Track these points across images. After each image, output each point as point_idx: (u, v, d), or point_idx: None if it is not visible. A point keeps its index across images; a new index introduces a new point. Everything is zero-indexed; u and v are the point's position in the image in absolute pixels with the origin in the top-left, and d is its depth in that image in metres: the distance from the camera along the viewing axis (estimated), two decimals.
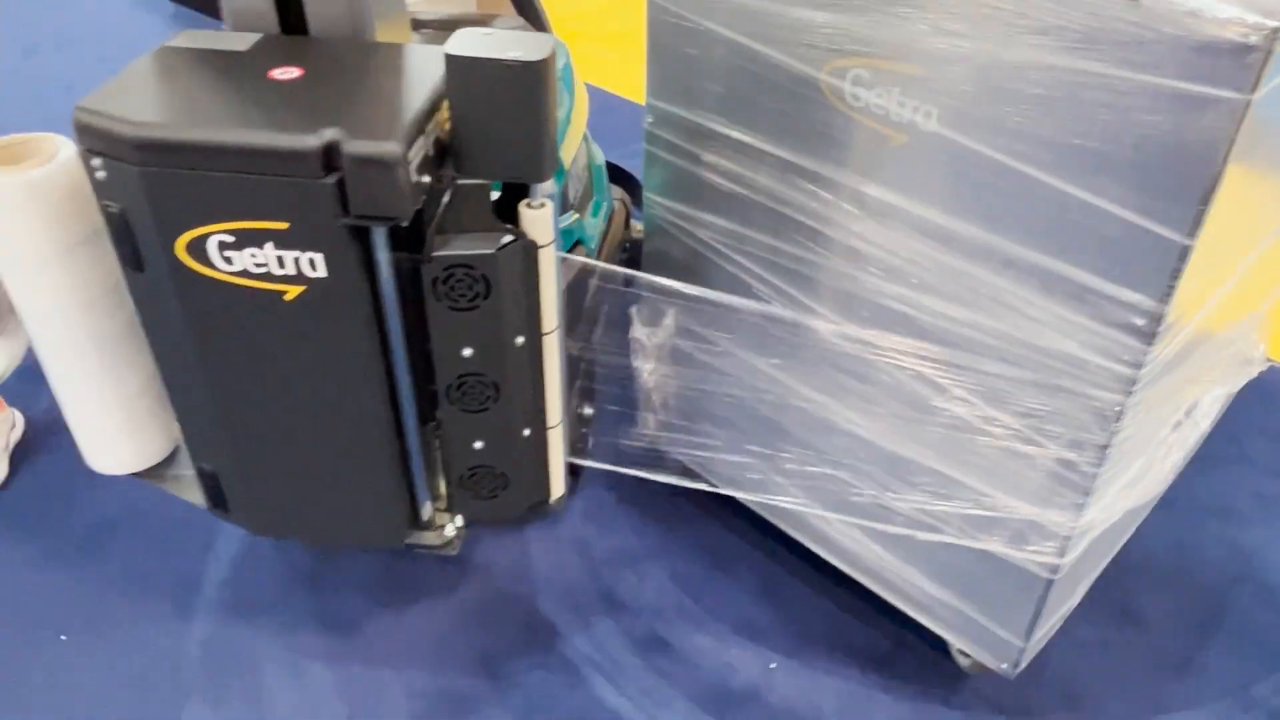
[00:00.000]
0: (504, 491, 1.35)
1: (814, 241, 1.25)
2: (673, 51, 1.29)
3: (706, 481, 1.58)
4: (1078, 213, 0.99)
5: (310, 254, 1.05)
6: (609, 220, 1.96)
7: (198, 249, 1.06)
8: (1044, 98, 0.96)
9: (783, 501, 1.49)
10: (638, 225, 2.07)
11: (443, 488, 1.37)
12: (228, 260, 1.06)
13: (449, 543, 1.38)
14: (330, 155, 0.99)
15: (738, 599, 1.64)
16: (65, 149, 1.19)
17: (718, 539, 1.74)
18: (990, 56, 0.98)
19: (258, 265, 1.07)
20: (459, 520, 1.39)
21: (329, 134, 0.98)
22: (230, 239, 1.05)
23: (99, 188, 1.06)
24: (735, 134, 1.28)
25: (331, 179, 0.99)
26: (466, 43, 1.01)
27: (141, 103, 1.02)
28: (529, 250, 1.13)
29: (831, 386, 1.34)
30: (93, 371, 1.34)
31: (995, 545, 1.25)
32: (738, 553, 1.71)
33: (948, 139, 1.05)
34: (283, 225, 1.03)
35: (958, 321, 1.14)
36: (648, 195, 1.47)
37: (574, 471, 1.72)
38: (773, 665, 1.54)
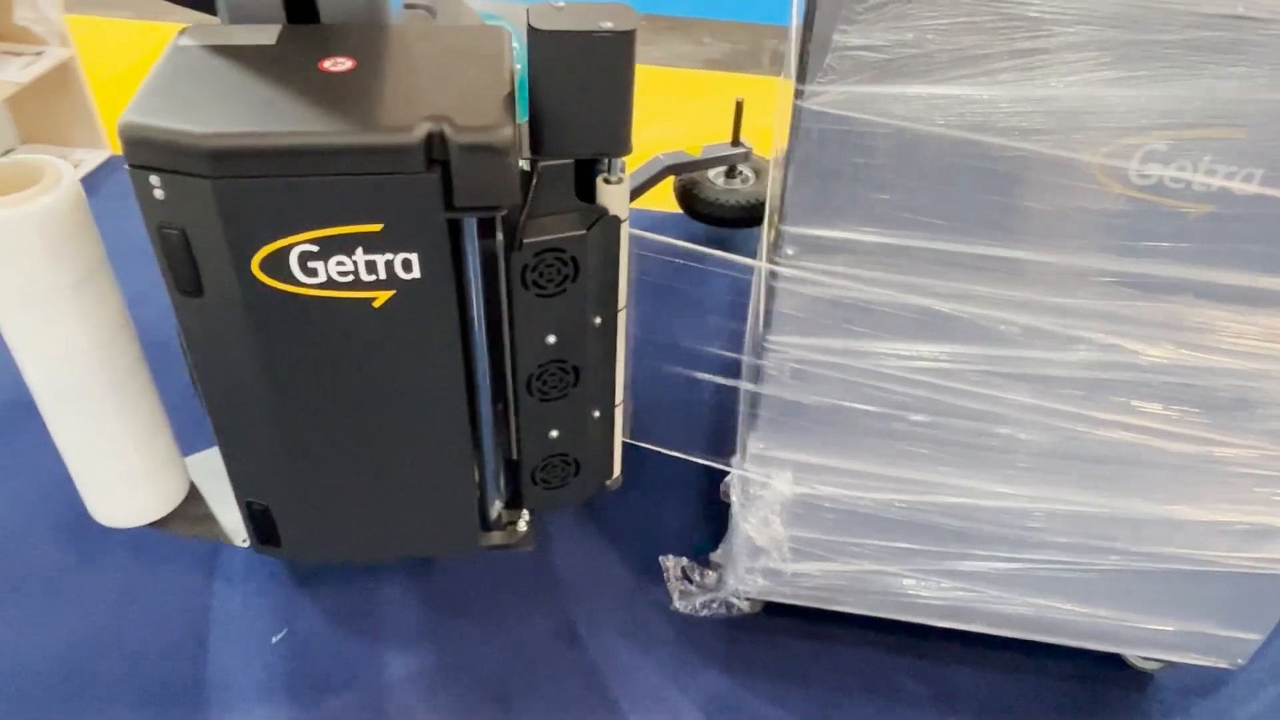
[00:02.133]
0: (574, 478, 1.32)
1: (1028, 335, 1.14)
2: (834, 165, 1.04)
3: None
4: None
5: (405, 254, 0.99)
6: None
7: (276, 263, 0.97)
8: None
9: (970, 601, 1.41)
10: None
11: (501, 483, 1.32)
12: (310, 272, 0.98)
13: (524, 538, 1.33)
14: (432, 147, 0.92)
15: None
16: (66, 173, 1.07)
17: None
18: None
19: (343, 274, 0.99)
20: (526, 514, 1.35)
21: (429, 125, 0.92)
22: (314, 249, 0.97)
23: (155, 208, 0.95)
24: (937, 244, 1.09)
25: (435, 172, 0.93)
26: (549, 18, 0.97)
27: (200, 110, 0.92)
28: (612, 227, 1.11)
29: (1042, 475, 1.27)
30: (103, 417, 1.21)
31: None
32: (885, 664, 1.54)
33: (1269, 199, 0.99)
34: (376, 227, 0.96)
35: (1244, 375, 1.11)
36: (770, 339, 1.19)
37: None
38: None
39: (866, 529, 1.34)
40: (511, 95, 0.98)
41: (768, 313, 1.16)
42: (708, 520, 1.68)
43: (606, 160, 1.08)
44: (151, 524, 1.34)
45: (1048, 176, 1.02)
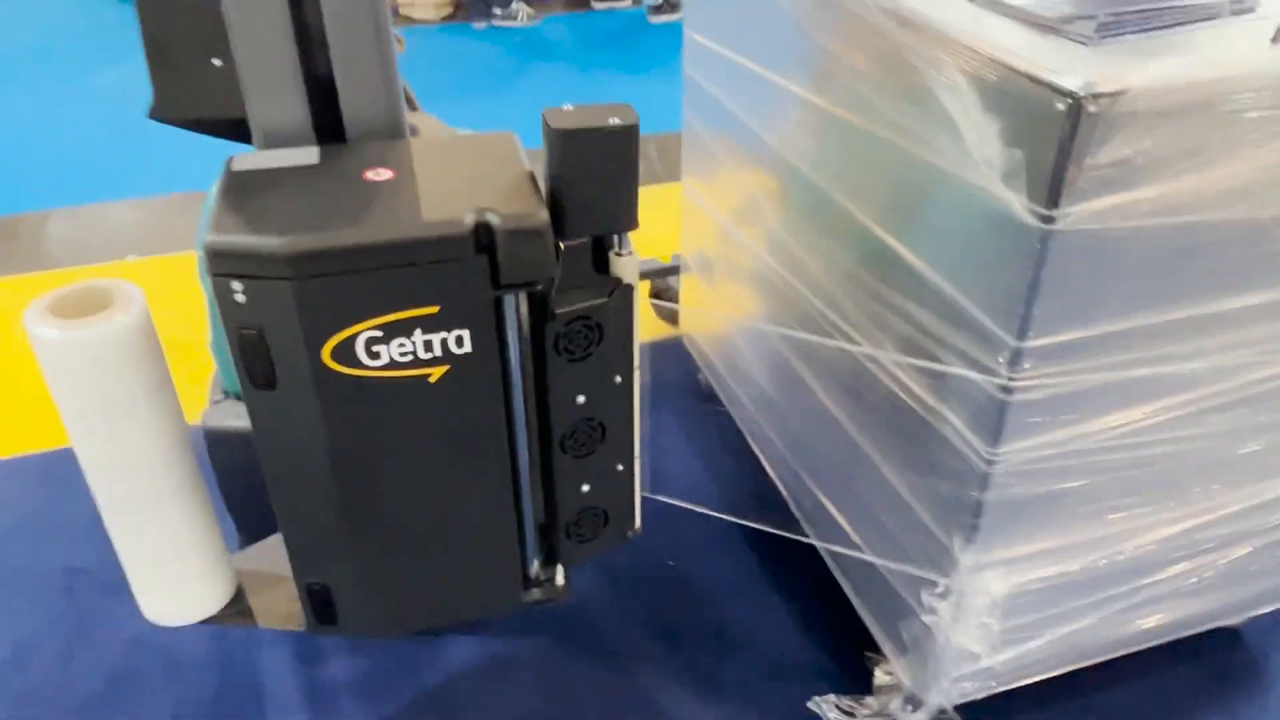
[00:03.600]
0: (603, 530, 1.43)
1: None
2: (1082, 277, 1.09)
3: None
4: None
5: (458, 331, 1.12)
6: None
7: (344, 351, 1.09)
8: None
9: None
10: None
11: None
12: (374, 356, 1.11)
13: (562, 590, 1.44)
14: (479, 234, 1.07)
15: None
16: (136, 295, 1.18)
17: None
18: None
19: (403, 354, 1.12)
20: (561, 569, 1.46)
21: (474, 216, 1.06)
22: (379, 334, 1.09)
23: (235, 312, 1.07)
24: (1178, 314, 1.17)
25: (483, 256, 1.08)
26: (566, 119, 1.13)
27: (272, 221, 1.05)
28: (627, 293, 1.26)
29: None
30: (166, 521, 1.29)
31: None
32: None
33: None
34: (433, 310, 1.09)
35: None
36: (998, 450, 1.21)
37: None
38: None
39: (1069, 595, 1.41)
40: (536, 185, 1.14)
41: (998, 425, 1.18)
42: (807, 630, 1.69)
43: (617, 237, 1.24)
44: (203, 621, 1.41)
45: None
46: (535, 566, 1.43)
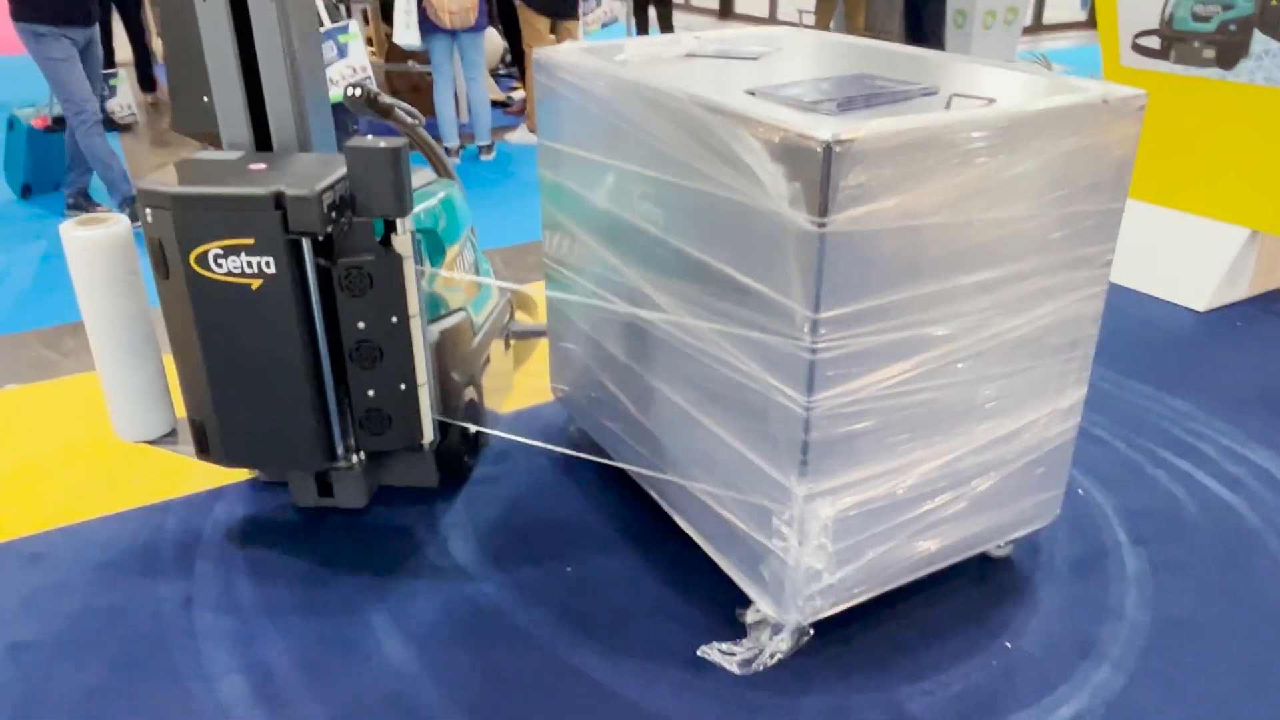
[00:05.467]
0: (389, 430, 2.08)
1: None
2: (846, 263, 1.71)
3: None
4: None
5: (266, 258, 1.85)
6: (493, 307, 2.72)
7: (202, 260, 1.86)
8: None
9: None
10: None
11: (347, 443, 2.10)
12: (220, 265, 1.86)
13: (354, 465, 2.10)
14: (279, 198, 1.81)
15: None
16: (124, 220, 2.02)
17: None
18: None
19: (235, 267, 1.86)
20: (361, 455, 2.12)
21: (279, 188, 1.81)
22: (221, 252, 1.85)
23: (148, 228, 1.87)
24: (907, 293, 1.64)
25: (280, 211, 1.81)
26: (360, 143, 1.86)
27: (173, 180, 1.85)
28: (395, 259, 1.94)
29: None
30: (129, 362, 2.10)
31: None
32: None
33: None
34: (250, 240, 1.84)
35: None
36: (814, 397, 1.65)
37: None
38: None
39: (878, 520, 1.83)
40: (330, 179, 1.86)
41: (810, 379, 1.63)
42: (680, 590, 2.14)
43: (398, 221, 1.93)
44: (147, 442, 2.20)
45: None
46: (341, 449, 2.10)
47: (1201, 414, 2.88)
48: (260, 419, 2.04)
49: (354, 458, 2.12)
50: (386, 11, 5.99)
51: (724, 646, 1.95)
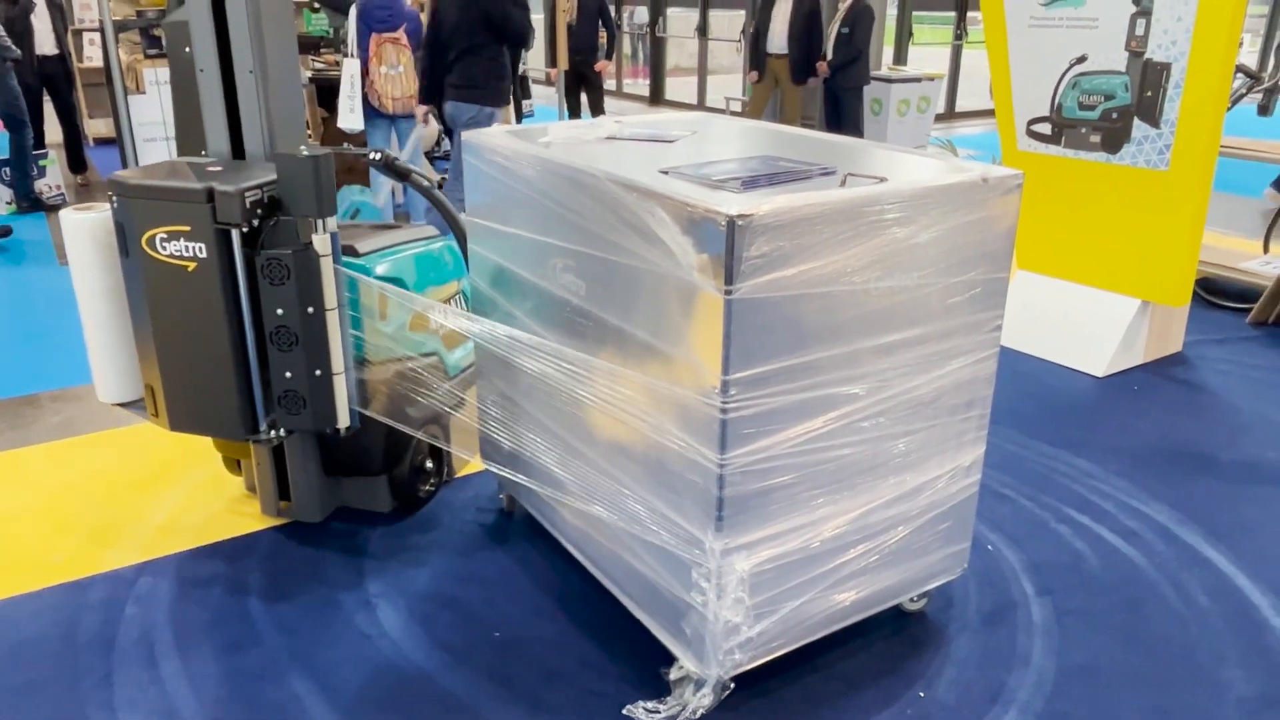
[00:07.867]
0: (304, 411, 2.34)
1: None
2: (754, 328, 1.75)
3: None
4: None
5: (199, 244, 2.17)
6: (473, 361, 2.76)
7: (151, 242, 2.19)
8: None
9: None
10: None
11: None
12: (164, 248, 2.19)
13: (270, 439, 2.35)
14: (210, 193, 2.14)
15: None
16: (106, 208, 2.34)
17: None
18: None
19: (176, 251, 2.19)
20: (281, 431, 2.38)
21: (209, 184, 2.14)
22: (165, 236, 2.18)
23: (113, 212, 2.21)
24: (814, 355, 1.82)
25: (210, 204, 2.14)
26: (288, 151, 2.20)
27: (140, 176, 2.20)
28: (313, 255, 2.25)
29: None
30: (111, 327, 2.39)
31: None
32: None
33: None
34: (187, 228, 2.16)
35: None
36: (727, 455, 1.71)
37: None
38: None
39: (793, 574, 1.89)
40: (258, 181, 2.18)
41: (722, 438, 1.70)
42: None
43: (320, 221, 2.24)
44: (118, 404, 2.46)
45: None
46: (265, 424, 2.36)
47: (1102, 472, 3.01)
48: (196, 388, 2.32)
49: (274, 433, 2.37)
50: (323, 96, 6.41)
51: (649, 704, 1.98)
